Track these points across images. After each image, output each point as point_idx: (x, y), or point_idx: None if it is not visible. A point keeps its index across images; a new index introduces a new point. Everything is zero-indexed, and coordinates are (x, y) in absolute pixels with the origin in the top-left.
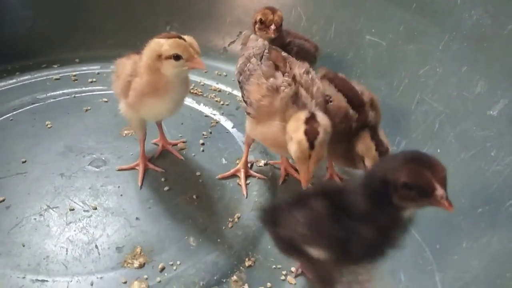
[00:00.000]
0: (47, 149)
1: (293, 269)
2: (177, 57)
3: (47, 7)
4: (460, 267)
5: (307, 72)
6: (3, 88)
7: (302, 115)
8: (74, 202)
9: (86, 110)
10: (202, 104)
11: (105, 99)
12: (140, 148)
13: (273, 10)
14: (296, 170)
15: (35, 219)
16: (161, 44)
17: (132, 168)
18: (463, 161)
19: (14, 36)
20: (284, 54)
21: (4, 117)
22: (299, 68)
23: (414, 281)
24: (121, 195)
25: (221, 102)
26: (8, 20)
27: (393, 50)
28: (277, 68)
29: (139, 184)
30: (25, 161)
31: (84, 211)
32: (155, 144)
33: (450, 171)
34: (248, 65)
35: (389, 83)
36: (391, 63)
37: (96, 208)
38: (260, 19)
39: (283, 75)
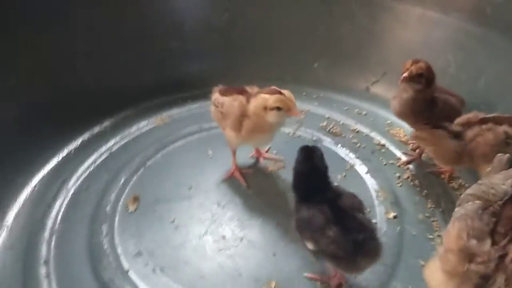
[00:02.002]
0: (208, 178)
1: None
2: (278, 109)
3: (218, 45)
4: None
5: None
6: (176, 116)
7: None
8: (226, 231)
9: None
10: (339, 145)
11: None
12: (232, 158)
13: (415, 61)
14: None
15: (196, 241)
16: (266, 99)
17: (231, 176)
18: None
19: (190, 68)
20: None
21: (176, 143)
22: None
23: None
24: (262, 230)
25: (358, 144)
26: (186, 55)
27: None
28: (493, 232)
29: (244, 184)
30: (191, 188)
31: (233, 240)
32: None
33: None
34: (470, 203)
35: None
36: None
37: (242, 239)
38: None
39: (493, 245)
